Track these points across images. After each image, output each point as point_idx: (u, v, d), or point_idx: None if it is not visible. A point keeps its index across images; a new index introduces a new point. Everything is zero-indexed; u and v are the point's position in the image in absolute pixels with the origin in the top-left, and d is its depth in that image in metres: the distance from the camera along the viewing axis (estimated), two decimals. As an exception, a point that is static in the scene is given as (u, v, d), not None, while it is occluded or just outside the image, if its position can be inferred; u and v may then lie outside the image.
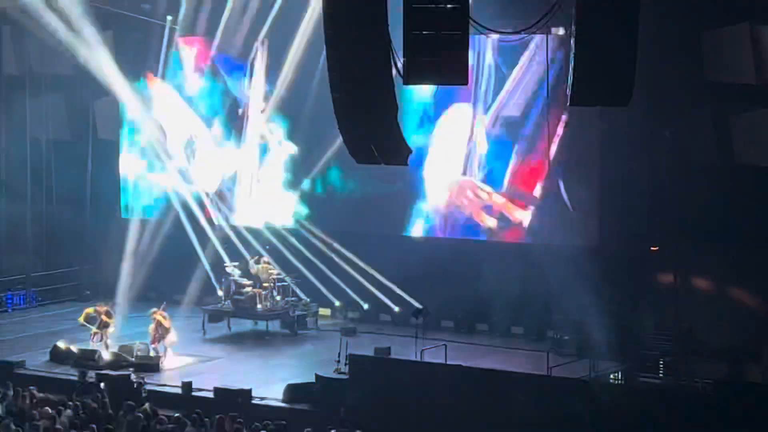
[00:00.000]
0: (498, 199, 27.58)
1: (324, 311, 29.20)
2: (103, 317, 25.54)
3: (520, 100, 27.23)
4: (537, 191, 27.11)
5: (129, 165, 32.38)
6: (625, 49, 14.00)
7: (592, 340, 24.18)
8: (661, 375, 24.06)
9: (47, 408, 18.45)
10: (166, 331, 25.31)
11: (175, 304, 28.46)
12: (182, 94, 31.60)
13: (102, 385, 21.48)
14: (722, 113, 24.76)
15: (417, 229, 28.75)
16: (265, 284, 28.02)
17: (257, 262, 28.60)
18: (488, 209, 27.72)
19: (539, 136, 26.76)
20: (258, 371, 24.79)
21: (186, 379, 23.18)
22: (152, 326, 25.33)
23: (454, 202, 28.19)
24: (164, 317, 25.43)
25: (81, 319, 25.74)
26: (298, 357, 26.06)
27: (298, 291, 28.71)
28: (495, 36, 25.46)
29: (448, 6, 14.14)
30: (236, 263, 28.95)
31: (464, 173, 27.97)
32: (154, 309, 25.73)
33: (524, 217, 27.36)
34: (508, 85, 27.32)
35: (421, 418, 20.34)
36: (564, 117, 26.23)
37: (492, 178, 27.67)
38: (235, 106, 31.09)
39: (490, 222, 27.71)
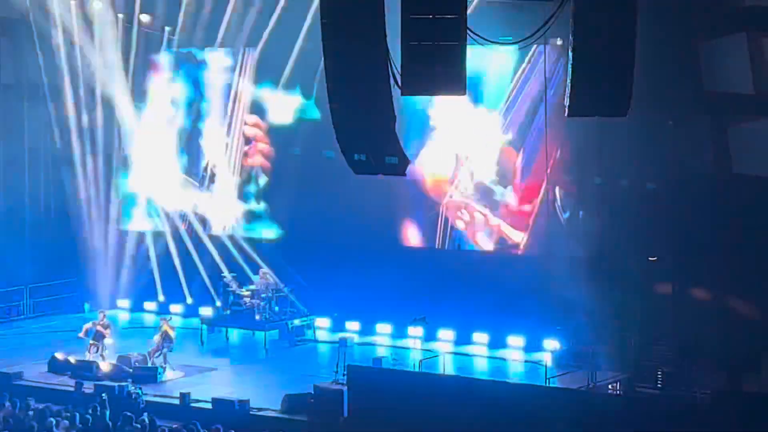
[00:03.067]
0: (494, 221, 27.59)
1: (322, 321, 29.15)
2: (99, 327, 25.55)
3: (519, 111, 27.25)
4: (535, 202, 27.12)
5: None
6: (622, 59, 14.00)
7: (591, 350, 24.17)
8: (659, 385, 24.02)
9: (45, 419, 18.42)
10: (169, 341, 25.30)
11: (172, 315, 28.46)
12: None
13: (104, 395, 21.46)
14: (720, 123, 24.76)
15: (415, 239, 28.75)
16: (263, 295, 27.98)
17: (256, 273, 28.57)
18: (487, 231, 27.73)
19: (537, 146, 26.77)
20: (256, 382, 24.78)
21: (184, 390, 23.15)
22: (158, 336, 25.30)
23: (451, 217, 28.19)
24: (171, 328, 25.47)
25: (81, 334, 25.80)
26: (296, 367, 26.02)
27: (296, 301, 28.66)
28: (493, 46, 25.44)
29: (446, 16, 14.14)
30: (234, 274, 28.93)
31: (461, 187, 28.01)
32: (163, 317, 25.87)
33: (521, 237, 27.35)
34: (507, 95, 27.37)
35: (418, 429, 20.29)
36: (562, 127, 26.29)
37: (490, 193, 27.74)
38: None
39: (487, 245, 27.73)
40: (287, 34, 28.83)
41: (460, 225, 27.98)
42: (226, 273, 29.08)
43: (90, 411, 19.37)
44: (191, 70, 31.41)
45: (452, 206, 28.08)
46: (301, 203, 29.40)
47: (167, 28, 30.97)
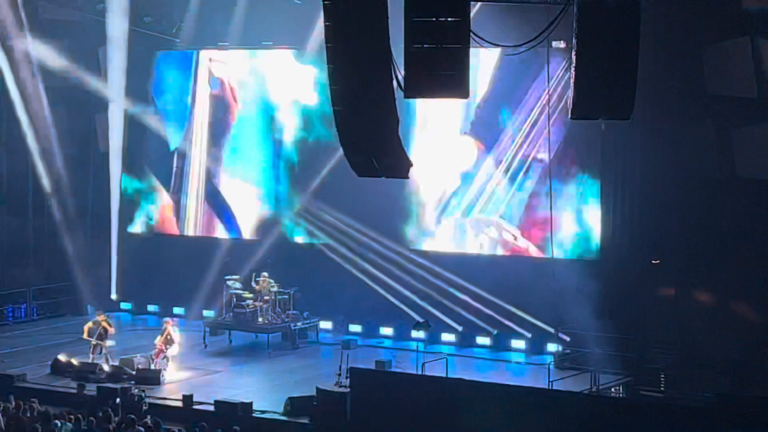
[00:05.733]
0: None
1: (325, 324, 29.12)
2: (103, 324, 25.54)
3: (524, 115, 27.28)
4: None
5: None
6: (626, 63, 14.03)
7: (594, 353, 24.18)
8: (662, 388, 24.02)
9: (48, 421, 18.43)
10: (172, 343, 25.30)
11: (175, 317, 28.47)
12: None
13: (117, 400, 21.49)
14: (724, 127, 24.77)
15: (419, 243, 28.76)
16: (266, 297, 27.98)
17: (258, 276, 28.58)
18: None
19: (541, 151, 26.80)
20: (259, 384, 24.78)
21: (187, 393, 23.16)
22: (160, 338, 25.29)
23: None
24: (175, 329, 25.48)
25: (84, 336, 25.79)
26: (298, 370, 26.02)
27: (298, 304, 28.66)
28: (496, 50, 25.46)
29: (449, 19, 14.17)
30: (237, 276, 28.93)
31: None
32: (167, 319, 25.89)
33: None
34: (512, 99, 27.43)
35: (421, 432, 20.32)
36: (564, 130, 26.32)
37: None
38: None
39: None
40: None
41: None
42: (229, 276, 29.05)
43: (101, 413, 19.36)
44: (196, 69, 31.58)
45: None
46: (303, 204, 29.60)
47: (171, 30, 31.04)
